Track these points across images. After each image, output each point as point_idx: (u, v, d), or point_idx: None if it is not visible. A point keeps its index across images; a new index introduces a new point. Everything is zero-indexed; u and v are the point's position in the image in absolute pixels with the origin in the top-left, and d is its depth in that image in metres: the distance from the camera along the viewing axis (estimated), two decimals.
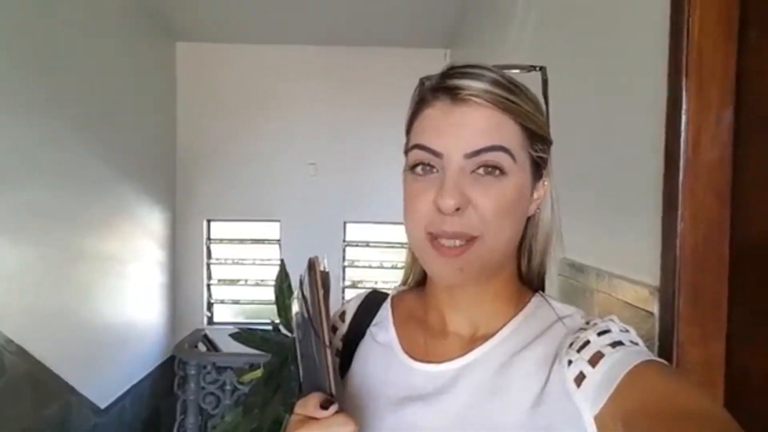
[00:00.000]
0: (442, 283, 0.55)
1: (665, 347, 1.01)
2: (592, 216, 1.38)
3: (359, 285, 4.41)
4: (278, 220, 4.31)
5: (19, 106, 2.37)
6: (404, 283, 0.68)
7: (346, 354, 0.65)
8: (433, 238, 0.51)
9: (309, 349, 0.49)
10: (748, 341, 0.95)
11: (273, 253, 4.38)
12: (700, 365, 0.99)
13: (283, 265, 1.52)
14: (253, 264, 4.44)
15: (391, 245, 4.45)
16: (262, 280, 4.42)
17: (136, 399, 3.56)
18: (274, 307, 4.23)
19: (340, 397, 0.46)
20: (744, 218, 0.94)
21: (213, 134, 4.25)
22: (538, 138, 0.53)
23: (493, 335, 0.55)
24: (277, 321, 1.44)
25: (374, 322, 0.66)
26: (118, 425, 3.28)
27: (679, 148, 0.96)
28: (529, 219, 0.57)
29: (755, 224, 0.91)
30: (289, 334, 1.43)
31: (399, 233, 4.42)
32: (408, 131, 0.57)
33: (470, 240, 0.50)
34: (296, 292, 0.53)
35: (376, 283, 4.38)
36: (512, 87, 0.51)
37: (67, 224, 2.79)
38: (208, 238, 4.38)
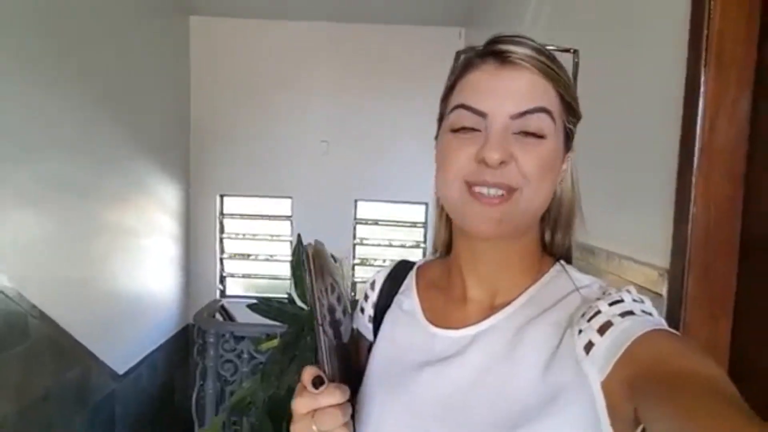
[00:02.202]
0: (477, 233, 0.54)
1: (674, 328, 1.04)
2: (603, 198, 1.39)
3: (367, 263, 4.46)
4: (290, 197, 4.35)
5: (41, 80, 2.40)
6: (434, 250, 0.70)
7: (377, 319, 0.69)
8: (471, 188, 0.52)
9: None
10: (754, 324, 0.96)
11: (284, 229, 4.43)
12: (707, 345, 1.00)
13: (300, 240, 1.55)
14: (265, 239, 4.49)
15: (400, 224, 4.48)
16: (272, 256, 4.48)
17: (152, 366, 3.67)
18: (285, 282, 4.35)
19: (333, 371, 0.51)
20: (756, 202, 0.94)
21: (227, 110, 4.25)
22: (572, 110, 0.55)
23: (510, 302, 0.57)
24: (294, 293, 1.49)
25: (401, 290, 0.69)
26: (134, 391, 3.40)
27: (695, 131, 0.96)
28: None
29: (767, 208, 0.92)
30: (304, 306, 1.48)
31: (408, 212, 4.44)
32: (446, 97, 0.58)
33: (510, 192, 0.51)
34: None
35: (384, 261, 4.42)
36: (553, 57, 0.54)
37: (87, 197, 2.85)
38: (221, 213, 4.43)
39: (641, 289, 1.13)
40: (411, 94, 4.12)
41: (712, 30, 0.93)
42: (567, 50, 0.58)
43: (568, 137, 0.56)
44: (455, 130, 0.54)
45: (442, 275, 0.66)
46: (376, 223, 4.46)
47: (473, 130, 0.52)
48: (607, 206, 1.35)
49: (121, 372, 3.21)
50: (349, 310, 0.63)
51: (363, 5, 3.83)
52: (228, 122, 4.26)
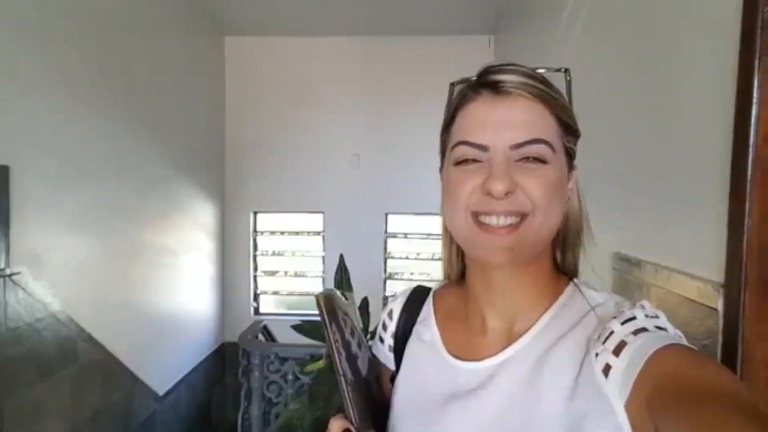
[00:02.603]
0: (489, 264, 0.54)
1: (730, 344, 1.00)
2: (649, 211, 1.35)
3: (395, 276, 4.45)
4: (322, 212, 4.39)
5: (84, 105, 2.50)
6: (446, 277, 0.70)
7: (397, 350, 0.69)
8: (478, 218, 0.53)
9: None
10: None
11: (316, 244, 4.46)
12: (765, 363, 0.97)
13: (342, 260, 1.56)
14: (297, 255, 4.53)
15: (429, 236, 4.46)
16: (300, 272, 4.50)
17: (190, 386, 3.72)
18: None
19: (358, 419, 0.52)
20: None
21: (259, 127, 4.34)
22: (571, 130, 0.56)
23: (528, 329, 0.57)
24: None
25: (419, 319, 0.69)
26: (174, 411, 3.45)
27: (748, 140, 0.94)
28: None
29: None
30: None
31: (436, 224, 4.42)
32: (447, 129, 0.59)
33: (521, 218, 0.52)
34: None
35: (412, 274, 4.40)
36: (546, 81, 0.55)
37: (127, 219, 2.93)
38: (255, 230, 4.50)
39: (694, 303, 1.10)
40: (441, 105, 4.10)
41: (765, 34, 0.90)
42: (558, 70, 0.58)
43: (570, 156, 0.57)
44: (458, 163, 0.55)
45: (459, 303, 0.66)
46: (405, 236, 4.45)
47: (476, 161, 0.53)
48: (655, 218, 1.32)
49: (161, 393, 3.26)
50: (364, 341, 0.64)
51: (391, 18, 3.87)
52: (260, 139, 4.34)
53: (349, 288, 1.52)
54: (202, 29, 3.94)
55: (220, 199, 4.31)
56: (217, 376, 4.22)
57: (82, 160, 2.47)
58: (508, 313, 0.59)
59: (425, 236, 4.44)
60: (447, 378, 0.60)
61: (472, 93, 0.55)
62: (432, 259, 4.44)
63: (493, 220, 0.52)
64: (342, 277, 1.50)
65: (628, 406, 0.45)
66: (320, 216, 4.42)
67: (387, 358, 0.71)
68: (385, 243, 4.40)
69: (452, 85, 0.60)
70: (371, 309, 1.70)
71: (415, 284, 0.76)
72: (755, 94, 0.92)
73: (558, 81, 0.58)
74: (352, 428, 0.50)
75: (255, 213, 4.48)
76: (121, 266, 2.86)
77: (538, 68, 0.56)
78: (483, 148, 0.53)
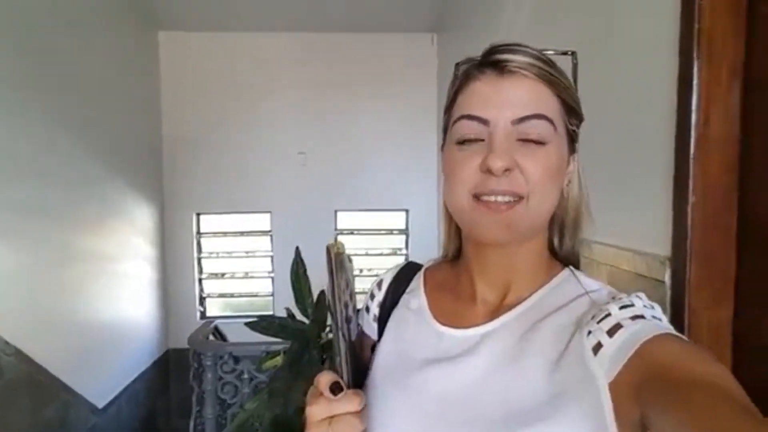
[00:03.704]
0: (486, 240, 0.55)
1: (677, 313, 1.06)
2: (600, 191, 1.41)
3: None
4: (269, 211, 4.29)
5: (6, 103, 2.31)
6: (445, 256, 0.70)
7: (382, 319, 0.69)
8: (478, 199, 0.53)
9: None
10: (755, 307, 1.00)
11: (264, 244, 4.35)
12: (710, 329, 1.03)
13: (298, 252, 1.52)
14: (246, 256, 4.41)
15: (382, 232, 4.47)
16: (251, 272, 4.38)
17: (132, 397, 3.54)
18: (266, 299, 4.27)
19: (350, 377, 0.50)
20: (753, 189, 0.98)
21: (199, 126, 4.18)
22: (573, 113, 0.57)
23: (519, 304, 0.58)
24: (295, 308, 1.45)
25: (408, 290, 0.69)
26: (116, 424, 3.27)
27: (690, 122, 1.00)
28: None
29: (764, 195, 0.95)
30: (306, 321, 1.45)
31: (388, 220, 4.44)
32: (449, 108, 0.59)
33: (517, 199, 0.52)
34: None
35: (360, 271, 4.40)
36: (551, 62, 0.55)
37: (58, 223, 2.74)
38: (198, 232, 4.33)
39: (642, 278, 1.16)
40: (386, 101, 4.15)
41: (703, 22, 0.96)
42: (565, 53, 0.60)
43: (572, 140, 0.58)
44: (460, 143, 0.55)
45: (451, 277, 0.66)
46: (351, 232, 4.44)
47: (477, 140, 0.53)
48: (603, 199, 1.37)
49: (101, 405, 3.09)
50: (357, 307, 0.62)
51: (334, 14, 3.85)
52: (201, 138, 4.19)
53: (306, 280, 1.49)
54: (133, 23, 3.75)
55: (159, 200, 4.12)
56: (162, 384, 4.03)
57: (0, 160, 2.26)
58: (500, 288, 0.60)
59: (374, 232, 4.44)
60: (430, 343, 0.60)
61: (475, 72, 0.55)
62: (382, 255, 4.46)
63: (491, 198, 0.52)
64: (299, 270, 1.47)
65: (614, 386, 0.46)
66: (267, 215, 4.31)
67: (371, 327, 0.71)
68: (335, 240, 4.35)
69: (457, 65, 0.59)
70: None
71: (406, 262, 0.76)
72: (695, 78, 0.98)
73: (563, 64, 0.58)
74: (342, 382, 0.48)
75: (198, 214, 4.31)
76: (50, 274, 2.67)
77: (545, 50, 0.56)
78: (484, 121, 0.53)
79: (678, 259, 1.07)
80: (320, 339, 1.41)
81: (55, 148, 2.69)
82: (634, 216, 1.23)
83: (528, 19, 1.94)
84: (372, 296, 0.72)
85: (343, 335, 0.50)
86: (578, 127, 0.58)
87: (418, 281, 0.69)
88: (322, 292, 1.54)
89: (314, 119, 4.23)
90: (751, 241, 0.99)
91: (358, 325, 0.70)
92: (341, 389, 0.48)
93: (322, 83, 4.21)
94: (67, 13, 2.82)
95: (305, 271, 1.48)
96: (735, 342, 1.03)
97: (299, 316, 1.46)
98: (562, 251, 0.62)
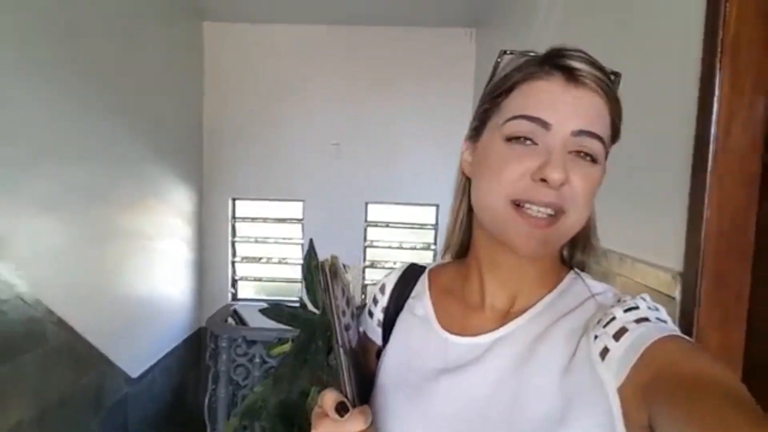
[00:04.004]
0: (522, 253, 0.52)
1: (685, 331, 1.02)
2: (616, 200, 1.38)
3: (378, 265, 4.46)
4: (302, 200, 4.37)
5: (56, 86, 2.44)
6: (445, 250, 0.69)
7: (386, 325, 0.68)
8: (518, 205, 0.51)
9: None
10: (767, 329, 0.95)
11: (296, 232, 4.45)
12: (718, 350, 1.00)
13: (312, 244, 1.56)
14: (276, 243, 4.51)
15: (411, 226, 4.48)
16: (283, 259, 4.50)
17: (165, 370, 3.71)
18: (297, 285, 4.36)
19: (355, 395, 0.49)
20: None
21: (239, 114, 4.29)
22: (617, 137, 0.56)
23: (527, 310, 0.57)
24: (305, 298, 1.50)
25: (412, 294, 0.68)
26: (148, 394, 3.43)
27: (709, 134, 0.96)
28: None
29: None
30: (316, 311, 1.49)
31: (418, 214, 4.44)
32: (497, 99, 0.56)
33: (559, 213, 0.51)
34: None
35: (394, 263, 4.42)
36: (613, 79, 0.54)
37: (101, 202, 2.88)
38: (233, 217, 4.46)
39: (653, 292, 1.13)
40: (421, 96, 4.14)
41: (727, 33, 0.92)
42: (613, 73, 0.56)
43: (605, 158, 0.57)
44: (511, 139, 0.52)
45: (456, 280, 0.65)
46: (387, 225, 4.46)
47: (529, 141, 0.51)
48: (619, 209, 1.34)
49: (134, 376, 3.24)
50: (356, 312, 0.62)
51: (373, 8, 3.85)
52: (240, 126, 4.29)
53: (318, 273, 1.52)
54: (178, 13, 3.85)
55: (197, 184, 4.26)
56: (193, 360, 4.20)
57: (50, 141, 2.41)
58: (509, 292, 0.59)
59: (407, 226, 4.45)
60: (438, 352, 0.59)
61: (541, 72, 0.52)
62: (414, 249, 4.47)
63: (533, 210, 0.50)
64: (311, 262, 1.50)
65: (622, 390, 0.46)
66: (300, 204, 4.39)
67: (375, 332, 0.71)
68: (365, 232, 4.41)
69: (504, 52, 0.57)
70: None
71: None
72: (716, 91, 0.95)
73: None
74: (347, 401, 0.47)
75: (234, 199, 4.44)
76: (93, 250, 2.81)
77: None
78: (546, 125, 0.51)
79: (689, 275, 1.03)
80: (328, 330, 1.45)
81: (99, 132, 2.82)
82: (651, 227, 1.20)
83: (561, 18, 1.89)
84: (375, 301, 0.72)
85: (344, 350, 0.49)
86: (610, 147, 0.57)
87: (422, 285, 0.68)
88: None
89: (349, 111, 4.26)
90: (766, 259, 0.95)
91: (359, 331, 0.69)
92: (347, 409, 0.47)
93: (358, 76, 4.23)
94: (116, 2, 2.95)
95: (318, 263, 1.50)
96: (746, 365, 1.00)
97: (311, 307, 1.50)
98: (573, 262, 0.62)
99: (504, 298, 0.59)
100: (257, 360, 2.47)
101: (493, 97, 0.56)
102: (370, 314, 0.72)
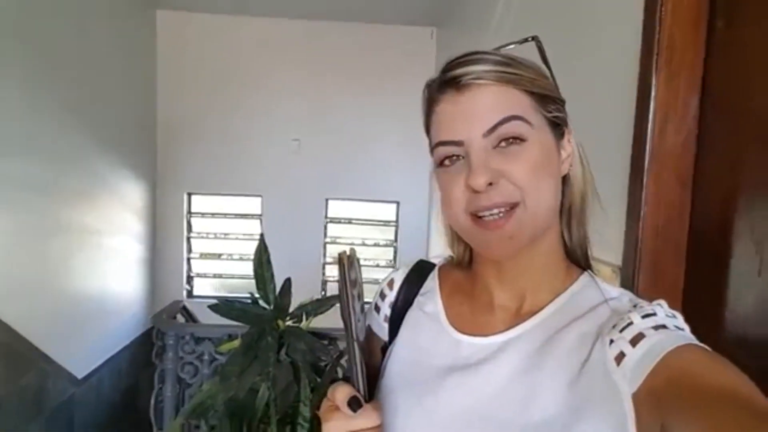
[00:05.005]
0: (494, 257, 0.55)
1: None
2: None
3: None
4: (260, 195, 4.30)
5: (0, 77, 2.31)
6: (458, 262, 0.68)
7: (394, 320, 0.67)
8: (475, 217, 0.52)
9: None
10: (702, 321, 1.00)
11: (254, 227, 4.38)
12: None
13: (262, 239, 1.53)
14: (235, 239, 4.42)
15: (372, 222, 4.48)
16: (242, 255, 4.41)
17: (114, 370, 3.57)
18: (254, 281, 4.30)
19: (366, 390, 0.48)
20: (704, 203, 0.98)
21: (194, 106, 4.17)
22: (548, 99, 0.54)
23: (539, 311, 0.56)
24: (256, 293, 1.47)
25: (422, 291, 0.67)
26: (96, 395, 3.30)
27: (646, 134, 1.00)
28: (563, 180, 0.58)
29: (714, 209, 0.95)
30: (267, 307, 1.46)
31: (380, 210, 4.45)
32: (427, 132, 0.59)
33: (511, 207, 0.51)
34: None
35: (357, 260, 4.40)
36: (508, 60, 0.53)
37: (45, 196, 2.75)
38: (189, 212, 4.34)
39: None
40: (383, 93, 4.14)
41: (663, 37, 0.96)
42: (526, 40, 0.57)
43: (556, 125, 0.56)
44: (442, 165, 0.55)
45: (466, 280, 0.65)
46: (349, 222, 4.45)
47: (457, 157, 0.53)
48: None
49: (80, 376, 3.11)
50: (364, 308, 0.61)
51: (336, 3, 3.82)
52: (196, 119, 4.18)
53: (269, 267, 1.49)
54: (130, 0, 3.71)
55: (151, 178, 4.12)
56: (145, 359, 4.05)
57: None
58: (516, 292, 0.59)
59: (368, 223, 4.46)
60: (448, 351, 0.59)
61: (437, 93, 0.55)
62: (377, 246, 4.47)
63: (487, 215, 0.51)
64: (262, 257, 1.48)
65: (636, 396, 0.45)
66: (258, 199, 4.32)
67: (381, 327, 0.69)
68: (325, 228, 4.38)
69: (427, 83, 0.59)
70: (304, 291, 1.71)
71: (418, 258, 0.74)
72: (653, 91, 0.98)
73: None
74: (359, 396, 0.46)
75: (189, 194, 4.32)
76: (35, 245, 2.68)
77: (505, 45, 0.55)
78: (457, 143, 0.52)
79: (628, 269, 1.07)
80: (278, 326, 1.42)
81: (44, 121, 2.68)
82: (593, 223, 1.24)
83: (515, 17, 1.94)
84: (383, 296, 0.71)
85: (360, 347, 0.49)
86: (562, 110, 0.56)
87: (432, 282, 0.68)
88: (288, 280, 1.56)
89: (310, 107, 4.22)
90: (701, 254, 1.00)
91: (366, 324, 0.67)
92: (360, 404, 0.46)
93: (319, 71, 4.19)
94: None
95: (269, 258, 1.49)
96: None
97: (262, 303, 1.48)
98: (572, 242, 0.60)
99: (512, 298, 0.59)
100: (206, 358, 2.41)
101: (426, 131, 0.59)
102: (377, 309, 0.71)
